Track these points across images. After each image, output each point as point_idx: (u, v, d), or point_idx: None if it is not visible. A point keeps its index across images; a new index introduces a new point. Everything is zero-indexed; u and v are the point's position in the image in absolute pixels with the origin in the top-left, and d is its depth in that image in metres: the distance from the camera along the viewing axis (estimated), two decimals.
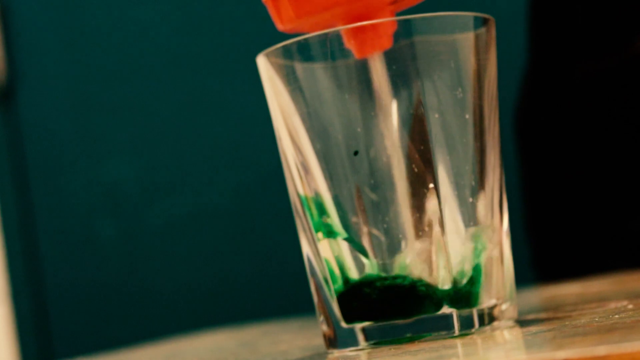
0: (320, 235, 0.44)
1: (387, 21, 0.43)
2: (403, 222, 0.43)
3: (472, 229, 0.43)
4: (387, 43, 0.43)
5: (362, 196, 0.43)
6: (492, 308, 0.43)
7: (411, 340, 0.42)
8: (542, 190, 0.79)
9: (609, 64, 0.73)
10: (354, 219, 0.43)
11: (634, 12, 0.73)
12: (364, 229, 0.43)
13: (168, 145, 1.13)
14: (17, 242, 1.17)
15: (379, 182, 0.43)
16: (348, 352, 0.43)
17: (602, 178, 0.74)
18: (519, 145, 0.80)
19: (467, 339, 0.41)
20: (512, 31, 0.84)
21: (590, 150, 0.75)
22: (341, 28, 0.43)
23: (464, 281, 0.43)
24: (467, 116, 0.43)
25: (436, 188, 0.43)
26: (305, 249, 0.45)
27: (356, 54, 0.43)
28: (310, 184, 0.44)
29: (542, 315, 0.48)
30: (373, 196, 0.43)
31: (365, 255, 0.43)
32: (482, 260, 0.43)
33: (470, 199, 0.43)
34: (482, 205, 0.44)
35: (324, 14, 0.44)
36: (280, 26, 0.46)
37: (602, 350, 0.30)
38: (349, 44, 0.43)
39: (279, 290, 1.07)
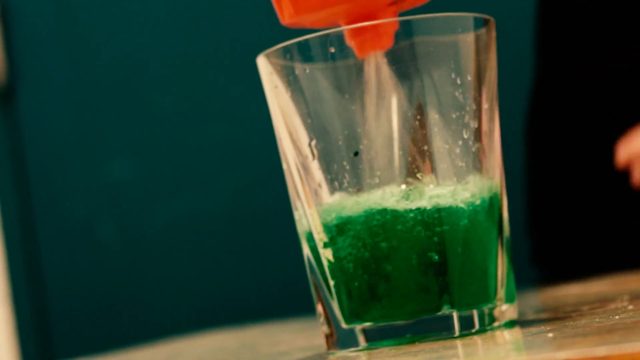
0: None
1: (387, 21, 0.43)
2: None
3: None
4: (388, 43, 0.43)
5: None
6: (492, 309, 0.43)
7: (411, 341, 0.42)
8: (545, 190, 0.79)
9: (613, 65, 0.73)
10: None
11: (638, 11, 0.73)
12: None
13: (169, 146, 1.13)
14: (18, 242, 1.17)
15: (379, 182, 0.43)
16: (348, 352, 0.43)
17: (603, 178, 0.75)
18: (527, 145, 0.80)
19: (467, 339, 0.41)
20: (523, 33, 0.84)
21: (594, 150, 0.75)
22: (342, 28, 0.43)
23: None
24: (467, 117, 0.43)
25: (436, 190, 0.43)
26: (306, 249, 0.45)
27: (357, 53, 0.43)
28: (310, 184, 0.44)
29: (543, 315, 0.48)
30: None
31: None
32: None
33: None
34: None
35: (323, 12, 0.45)
36: (282, 21, 0.46)
37: (602, 350, 0.30)
38: (349, 43, 0.43)
39: (279, 290, 1.07)
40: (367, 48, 0.43)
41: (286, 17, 0.46)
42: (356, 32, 0.43)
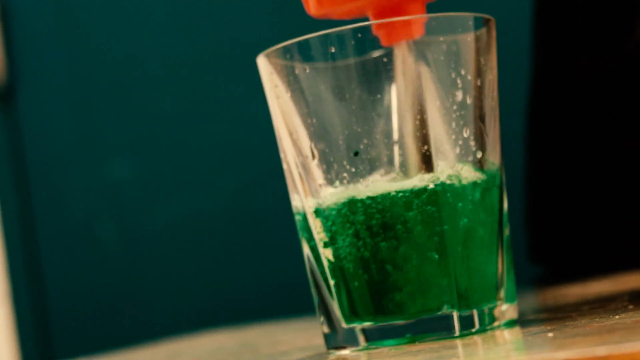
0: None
1: (416, 11, 0.44)
2: None
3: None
4: (417, 32, 0.43)
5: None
6: (492, 308, 0.43)
7: (411, 340, 0.42)
8: (545, 189, 0.79)
9: (613, 65, 0.73)
10: None
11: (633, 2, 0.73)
12: None
13: (169, 146, 1.13)
14: (18, 242, 1.17)
15: (380, 183, 0.43)
16: (348, 352, 0.43)
17: (603, 178, 0.75)
18: (526, 144, 0.80)
19: (467, 339, 0.41)
20: (523, 33, 0.84)
21: (594, 150, 0.75)
22: (367, 23, 0.43)
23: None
24: (467, 116, 0.43)
25: (436, 189, 0.43)
26: (306, 249, 0.45)
27: (383, 42, 0.43)
28: (311, 184, 0.44)
29: (543, 315, 0.48)
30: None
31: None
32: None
33: None
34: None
35: (348, 4, 0.45)
36: (308, 12, 0.46)
37: (602, 350, 0.30)
38: (376, 33, 0.43)
39: (279, 290, 1.07)
40: (394, 38, 0.43)
41: (312, 9, 0.46)
42: (382, 23, 0.43)
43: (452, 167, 0.43)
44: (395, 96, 0.43)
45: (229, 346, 0.65)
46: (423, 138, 0.43)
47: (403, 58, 0.42)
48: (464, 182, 0.43)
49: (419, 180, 0.42)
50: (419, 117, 0.43)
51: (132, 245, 1.14)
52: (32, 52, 1.18)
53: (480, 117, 0.44)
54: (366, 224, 0.42)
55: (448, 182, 0.43)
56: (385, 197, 0.42)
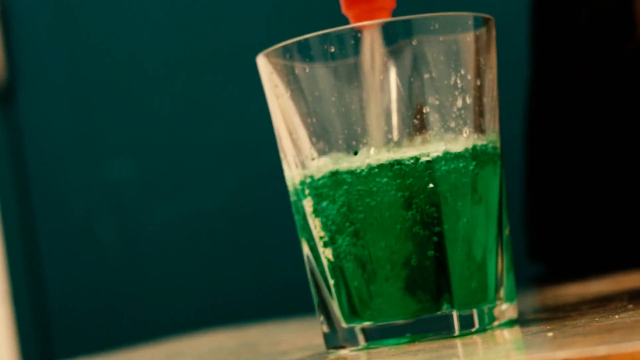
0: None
1: None
2: None
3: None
4: (384, 14, 0.44)
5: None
6: (492, 308, 0.43)
7: (411, 340, 0.42)
8: (545, 189, 0.79)
9: (612, 60, 0.73)
10: None
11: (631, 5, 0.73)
12: None
13: (169, 146, 1.13)
14: (18, 242, 1.17)
15: (380, 183, 0.43)
16: (348, 352, 0.43)
17: (603, 178, 0.75)
18: (526, 143, 0.80)
19: (467, 339, 0.41)
20: (523, 33, 0.84)
21: (594, 150, 0.75)
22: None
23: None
24: (467, 117, 0.43)
25: (436, 189, 0.43)
26: (305, 249, 0.45)
27: (352, 21, 0.44)
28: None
29: (542, 315, 0.48)
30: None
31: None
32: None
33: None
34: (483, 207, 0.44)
35: None
36: None
37: (602, 350, 0.30)
38: (345, 13, 0.44)
39: (279, 290, 1.07)
40: (363, 18, 0.44)
41: None
42: (352, 5, 0.44)
43: (452, 167, 0.43)
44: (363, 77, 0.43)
45: (229, 346, 0.65)
46: (423, 137, 0.43)
47: (371, 42, 0.42)
48: (464, 181, 0.43)
49: (418, 179, 0.42)
50: (418, 117, 0.43)
51: (132, 245, 1.14)
52: (32, 52, 1.18)
53: (480, 117, 0.44)
54: (366, 223, 0.42)
55: (447, 181, 0.43)
56: (384, 196, 0.42)
